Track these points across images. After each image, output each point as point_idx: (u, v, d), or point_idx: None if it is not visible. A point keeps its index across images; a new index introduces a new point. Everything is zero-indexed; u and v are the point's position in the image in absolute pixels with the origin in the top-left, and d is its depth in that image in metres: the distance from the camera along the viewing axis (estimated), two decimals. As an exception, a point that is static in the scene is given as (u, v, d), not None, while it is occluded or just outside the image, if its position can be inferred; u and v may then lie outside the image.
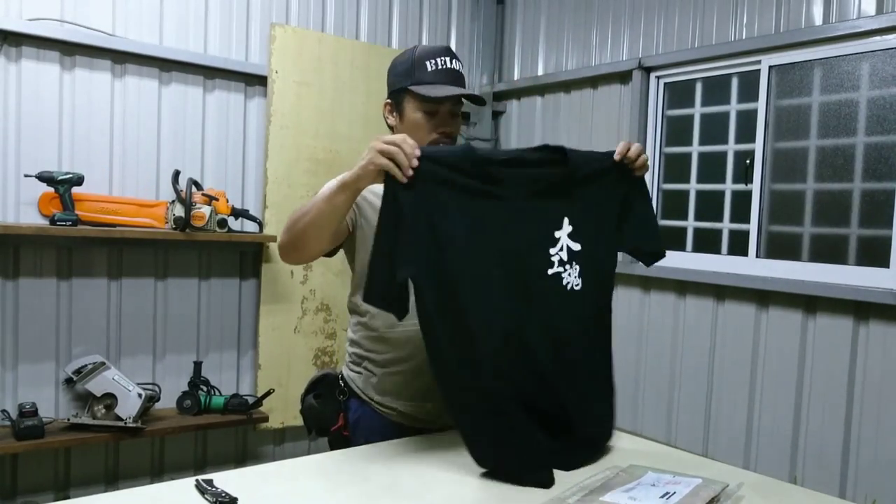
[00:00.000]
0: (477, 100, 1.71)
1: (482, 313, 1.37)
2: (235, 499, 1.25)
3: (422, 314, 1.37)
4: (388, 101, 1.73)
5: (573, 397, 1.47)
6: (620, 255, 3.12)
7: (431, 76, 1.64)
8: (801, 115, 2.62)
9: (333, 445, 1.77)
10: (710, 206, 2.92)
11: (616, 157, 1.58)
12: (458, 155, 1.40)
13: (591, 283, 1.51)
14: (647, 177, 3.12)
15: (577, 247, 1.50)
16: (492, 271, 1.39)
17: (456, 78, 1.67)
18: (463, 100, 1.70)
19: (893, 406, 2.29)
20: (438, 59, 1.64)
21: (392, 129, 1.74)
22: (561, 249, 1.48)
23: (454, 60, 1.68)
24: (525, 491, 1.37)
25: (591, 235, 1.52)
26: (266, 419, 3.00)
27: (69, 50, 2.63)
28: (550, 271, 1.46)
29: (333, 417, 1.75)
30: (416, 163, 1.32)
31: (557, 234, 1.48)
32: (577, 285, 1.49)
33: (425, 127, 1.65)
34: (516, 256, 1.43)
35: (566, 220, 1.48)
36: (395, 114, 1.71)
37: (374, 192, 1.60)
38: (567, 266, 1.48)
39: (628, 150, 1.59)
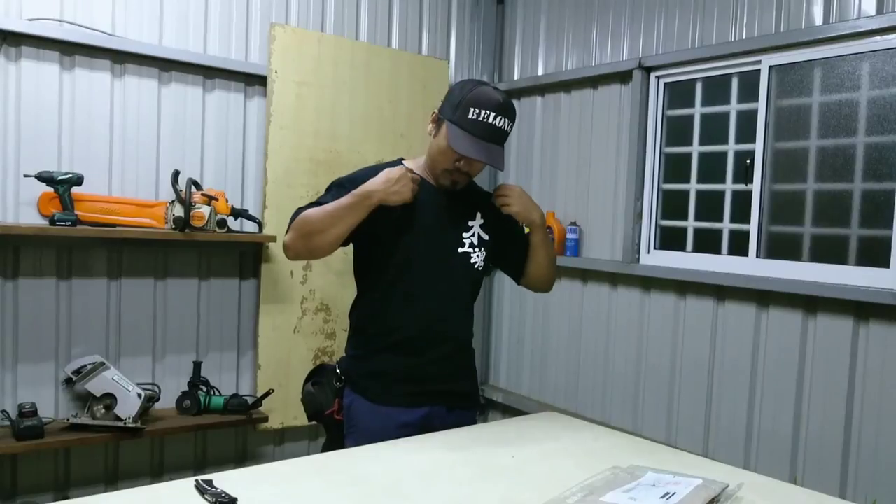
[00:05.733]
0: (497, 167, 1.83)
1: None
2: (235, 499, 1.25)
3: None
4: (435, 112, 1.86)
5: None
6: (624, 257, 3.10)
7: (470, 125, 1.75)
8: (802, 115, 2.61)
9: (328, 429, 1.97)
10: (710, 206, 2.92)
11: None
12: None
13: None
14: (648, 176, 3.15)
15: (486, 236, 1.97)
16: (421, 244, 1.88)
17: (494, 135, 1.78)
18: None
19: (893, 406, 2.29)
20: (483, 111, 1.74)
21: (429, 135, 1.90)
22: (472, 235, 1.94)
23: (500, 118, 1.77)
24: (525, 490, 1.37)
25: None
26: (266, 419, 3.00)
27: (69, 50, 2.63)
28: (461, 250, 1.91)
29: (330, 402, 1.93)
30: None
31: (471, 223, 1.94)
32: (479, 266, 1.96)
33: (450, 159, 1.81)
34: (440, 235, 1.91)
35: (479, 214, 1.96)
36: (433, 127, 1.86)
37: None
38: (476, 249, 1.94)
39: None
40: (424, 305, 1.86)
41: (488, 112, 1.75)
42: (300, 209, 1.86)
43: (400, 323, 1.86)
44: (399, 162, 1.97)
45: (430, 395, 1.88)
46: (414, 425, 1.83)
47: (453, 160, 1.81)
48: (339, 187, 1.88)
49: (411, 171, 1.84)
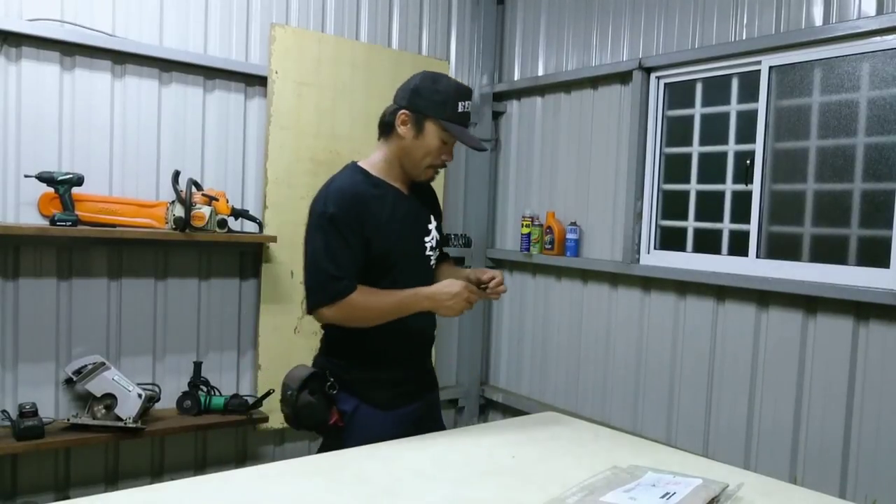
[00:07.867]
0: (485, 149, 2.05)
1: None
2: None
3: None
4: (406, 113, 1.85)
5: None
6: (625, 257, 3.10)
7: (462, 118, 1.88)
8: (802, 116, 2.61)
9: (328, 439, 1.88)
10: (710, 206, 2.92)
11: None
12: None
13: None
14: (648, 177, 3.15)
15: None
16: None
17: (469, 120, 1.95)
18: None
19: (893, 406, 2.29)
20: (466, 103, 1.88)
21: (397, 138, 1.87)
22: (432, 238, 1.98)
23: (471, 103, 1.95)
24: (525, 490, 1.37)
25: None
26: (266, 419, 3.00)
27: (69, 50, 2.63)
28: (426, 254, 1.96)
29: (327, 412, 1.84)
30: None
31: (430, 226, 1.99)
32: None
33: (436, 153, 1.87)
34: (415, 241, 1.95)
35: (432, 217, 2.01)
36: (410, 128, 1.85)
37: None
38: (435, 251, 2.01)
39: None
40: (415, 315, 1.86)
41: (468, 102, 1.89)
42: (324, 271, 1.77)
43: (394, 333, 1.84)
44: (353, 166, 1.91)
45: (421, 386, 2.01)
46: (414, 418, 1.91)
47: (440, 156, 1.88)
48: (344, 227, 1.77)
49: (468, 284, 1.84)
